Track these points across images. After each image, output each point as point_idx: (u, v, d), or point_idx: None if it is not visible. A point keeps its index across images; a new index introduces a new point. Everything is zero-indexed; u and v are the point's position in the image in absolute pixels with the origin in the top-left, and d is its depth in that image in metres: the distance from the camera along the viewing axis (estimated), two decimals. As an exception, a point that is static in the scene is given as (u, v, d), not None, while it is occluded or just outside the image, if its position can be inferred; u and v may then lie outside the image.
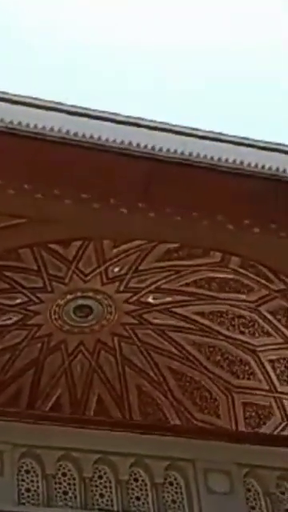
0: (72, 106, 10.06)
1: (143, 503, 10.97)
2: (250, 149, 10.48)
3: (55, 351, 14.55)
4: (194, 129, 10.41)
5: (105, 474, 11.04)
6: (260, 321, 13.58)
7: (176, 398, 14.91)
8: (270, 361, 13.95)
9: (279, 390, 14.02)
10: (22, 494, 10.53)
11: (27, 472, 10.73)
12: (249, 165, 10.45)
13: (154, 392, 14.95)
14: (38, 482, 10.68)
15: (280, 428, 14.18)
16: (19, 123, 9.77)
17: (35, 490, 10.62)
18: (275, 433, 14.18)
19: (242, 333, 13.94)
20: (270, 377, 14.05)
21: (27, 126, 9.81)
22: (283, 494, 11.72)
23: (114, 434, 11.20)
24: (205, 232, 11.21)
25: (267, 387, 14.11)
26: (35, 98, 10.02)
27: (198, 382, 14.72)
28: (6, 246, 10.91)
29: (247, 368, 14.26)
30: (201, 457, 11.40)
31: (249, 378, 14.30)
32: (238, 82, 22.11)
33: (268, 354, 13.91)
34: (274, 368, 13.98)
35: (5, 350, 14.22)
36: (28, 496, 10.57)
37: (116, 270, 13.25)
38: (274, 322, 13.45)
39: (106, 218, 10.90)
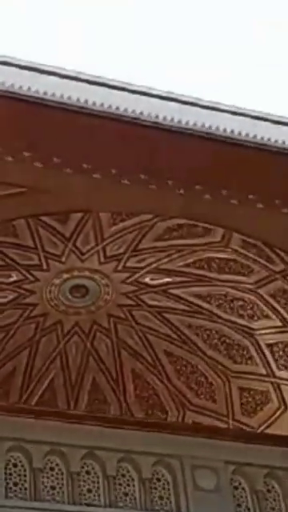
0: (77, 72, 9.79)
1: (130, 499, 10.93)
2: (256, 121, 10.24)
3: (50, 332, 14.31)
4: (197, 98, 10.17)
5: (92, 469, 10.99)
6: (259, 303, 13.36)
7: (172, 382, 14.69)
8: (268, 345, 13.73)
9: (277, 374, 13.82)
10: (10, 487, 10.49)
11: (15, 466, 10.69)
12: (254, 137, 10.21)
13: (150, 375, 14.73)
14: (25, 475, 10.62)
15: (277, 414, 13.95)
16: (20, 87, 9.48)
17: (23, 484, 10.55)
18: (272, 418, 13.97)
19: (241, 316, 13.71)
20: (267, 361, 13.84)
21: (28, 90, 9.55)
22: (269, 491, 11.67)
23: (102, 430, 11.16)
24: (207, 206, 10.97)
25: (265, 372, 13.90)
26: (36, 63, 9.75)
27: (195, 366, 14.50)
28: (3, 217, 10.61)
29: (245, 352, 14.04)
30: (188, 453, 11.37)
31: (246, 363, 14.08)
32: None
33: (266, 338, 13.70)
34: (272, 352, 13.76)
35: (-1, 329, 13.98)
36: (15, 490, 10.52)
37: (114, 248, 12.99)
38: (274, 304, 13.23)
39: (106, 189, 10.63)
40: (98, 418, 12.01)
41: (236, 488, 11.48)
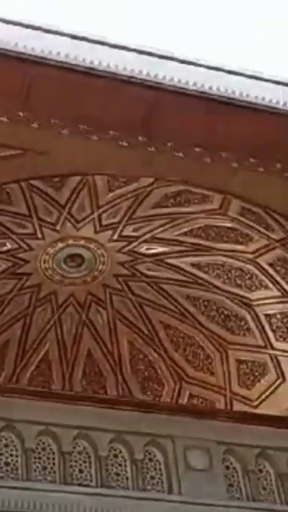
0: (77, 31, 9.50)
1: (122, 479, 10.86)
2: (257, 82, 9.98)
3: (45, 303, 14.08)
4: (195, 58, 9.90)
5: (84, 449, 10.92)
6: (258, 273, 13.14)
7: (168, 354, 14.49)
8: (267, 315, 13.52)
9: (275, 346, 13.62)
10: (1, 467, 10.42)
11: (6, 446, 10.62)
12: (256, 98, 9.94)
13: (146, 348, 14.52)
14: (17, 456, 10.55)
15: (275, 386, 13.77)
16: (15, 44, 9.18)
17: (14, 464, 10.49)
18: (270, 390, 13.81)
19: (239, 286, 13.50)
20: (265, 333, 13.64)
21: (24, 47, 9.25)
22: (261, 471, 11.59)
23: (94, 410, 11.09)
24: (207, 169, 10.69)
25: (262, 343, 13.70)
26: (30, 20, 9.46)
27: (192, 338, 14.30)
28: (-2, 180, 10.34)
29: (243, 323, 13.83)
30: (180, 434, 11.31)
31: (244, 334, 13.88)
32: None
33: (265, 309, 13.49)
34: (270, 323, 13.56)
35: (-8, 300, 13.73)
36: (7, 470, 10.44)
37: (110, 216, 12.74)
38: (273, 273, 13.01)
39: (104, 151, 10.34)
40: (90, 398, 11.98)
41: (228, 468, 11.39)
